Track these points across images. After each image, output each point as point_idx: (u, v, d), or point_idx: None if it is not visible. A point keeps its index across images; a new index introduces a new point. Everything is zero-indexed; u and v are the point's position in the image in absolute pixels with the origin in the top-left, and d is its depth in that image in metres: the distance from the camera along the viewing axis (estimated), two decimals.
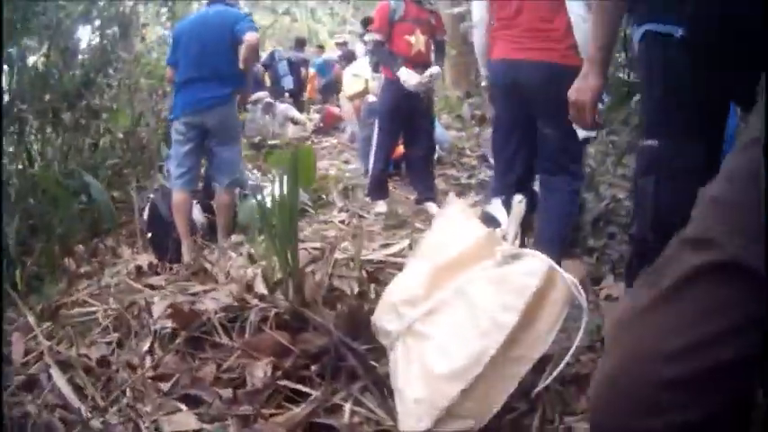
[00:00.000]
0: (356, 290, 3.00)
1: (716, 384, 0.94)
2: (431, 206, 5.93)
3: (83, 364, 2.73)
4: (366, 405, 2.36)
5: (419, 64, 5.82)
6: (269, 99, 10.55)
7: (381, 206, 5.91)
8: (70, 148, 6.49)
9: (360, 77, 7.88)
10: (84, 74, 6.82)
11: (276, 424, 2.27)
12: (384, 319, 2.41)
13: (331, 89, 12.95)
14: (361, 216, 5.51)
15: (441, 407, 2.04)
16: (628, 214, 4.24)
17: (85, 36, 7.41)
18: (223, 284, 3.24)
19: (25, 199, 5.10)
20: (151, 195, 5.56)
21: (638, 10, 2.48)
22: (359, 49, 10.04)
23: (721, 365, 0.92)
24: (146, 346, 2.81)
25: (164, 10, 9.78)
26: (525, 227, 2.83)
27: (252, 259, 3.57)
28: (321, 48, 15.32)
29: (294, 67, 12.75)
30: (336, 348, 2.50)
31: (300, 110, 11.91)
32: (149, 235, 5.15)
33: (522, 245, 2.57)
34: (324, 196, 6.43)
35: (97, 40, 7.46)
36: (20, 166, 5.76)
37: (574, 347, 2.12)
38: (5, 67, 5.79)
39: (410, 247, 3.63)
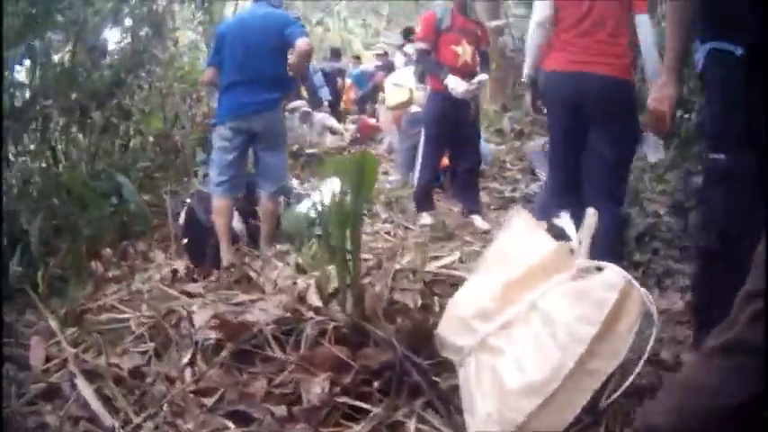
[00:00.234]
0: (419, 303, 2.82)
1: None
2: (477, 219, 5.86)
3: (113, 375, 2.58)
4: (430, 422, 2.27)
5: (466, 75, 5.69)
6: (306, 108, 10.40)
7: (426, 218, 5.80)
8: (98, 149, 6.28)
9: (403, 87, 7.64)
10: (114, 73, 6.60)
11: None
12: (454, 333, 2.36)
13: (368, 100, 12.81)
14: (407, 228, 5.25)
15: (515, 422, 2.02)
16: (669, 230, 4.47)
17: (114, 37, 7.21)
18: (271, 295, 3.07)
19: (49, 198, 4.88)
20: (188, 200, 5.32)
21: (702, 28, 2.56)
22: (398, 59, 9.84)
23: None
24: (186, 358, 2.63)
25: (198, 14, 9.55)
26: None
27: (300, 269, 3.41)
28: (358, 58, 15.05)
29: (329, 77, 12.52)
30: (401, 364, 2.39)
31: (338, 120, 11.72)
32: (185, 240, 4.90)
33: None
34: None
35: (128, 40, 7.23)
36: (43, 164, 5.58)
37: (644, 359, 2.11)
38: (28, 61, 5.58)
39: (461, 260, 3.57)
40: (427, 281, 3.10)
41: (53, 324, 3.05)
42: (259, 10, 4.97)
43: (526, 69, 4.13)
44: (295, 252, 3.78)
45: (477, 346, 2.22)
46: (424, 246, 3.73)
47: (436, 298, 2.90)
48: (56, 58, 6.10)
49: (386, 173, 8.37)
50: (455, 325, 2.36)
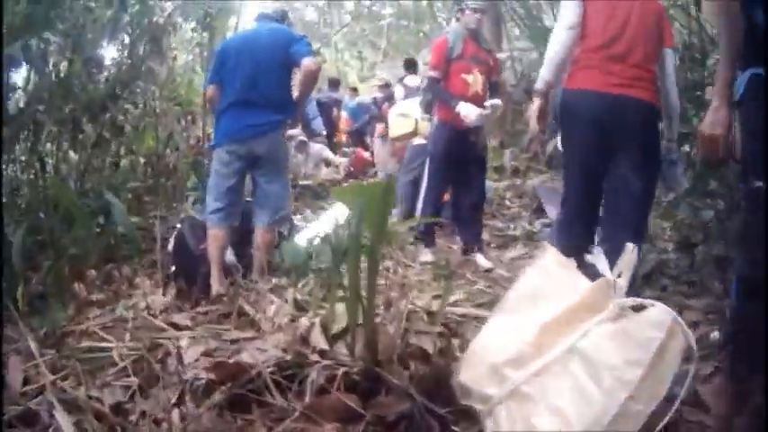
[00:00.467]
0: (438, 346, 2.61)
1: None
2: (479, 257, 5.71)
3: (93, 409, 2.37)
4: None
5: (476, 105, 5.48)
6: (302, 137, 10.26)
7: (427, 255, 5.67)
8: (89, 165, 6.11)
9: (409, 118, 7.42)
10: (109, 87, 6.46)
11: None
12: (480, 380, 2.22)
13: (363, 132, 12.74)
14: (407, 265, 5.01)
15: None
16: (677, 267, 4.54)
17: (111, 53, 7.05)
18: (269, 333, 2.86)
19: (35, 212, 4.75)
20: (177, 225, 5.08)
21: (744, 54, 2.53)
22: (398, 91, 9.68)
23: None
24: (174, 397, 2.40)
25: (195, 35, 9.35)
26: None
27: (298, 306, 3.16)
28: (355, 90, 14.93)
29: (325, 107, 12.37)
30: (420, 414, 2.20)
31: (332, 151, 11.68)
32: (173, 268, 4.63)
33: None
34: None
35: (125, 54, 7.06)
36: (31, 176, 5.45)
37: (681, 396, 2.03)
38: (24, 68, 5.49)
39: (468, 298, 3.52)
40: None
41: (32, 345, 2.88)
42: (263, 27, 4.74)
43: (546, 75, 3.90)
44: (292, 287, 3.54)
45: (508, 394, 2.10)
46: (449, 284, 3.55)
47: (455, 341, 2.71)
48: (52, 64, 5.93)
49: None
50: (482, 372, 2.21)
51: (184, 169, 6.88)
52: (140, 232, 5.49)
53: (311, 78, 4.51)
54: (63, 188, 5.03)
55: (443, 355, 2.59)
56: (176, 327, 3.20)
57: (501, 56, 9.95)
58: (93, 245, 4.66)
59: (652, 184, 3.79)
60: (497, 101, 5.70)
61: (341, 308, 2.61)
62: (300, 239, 4.56)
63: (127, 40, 6.92)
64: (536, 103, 3.94)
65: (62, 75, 5.92)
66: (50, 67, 5.82)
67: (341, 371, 2.31)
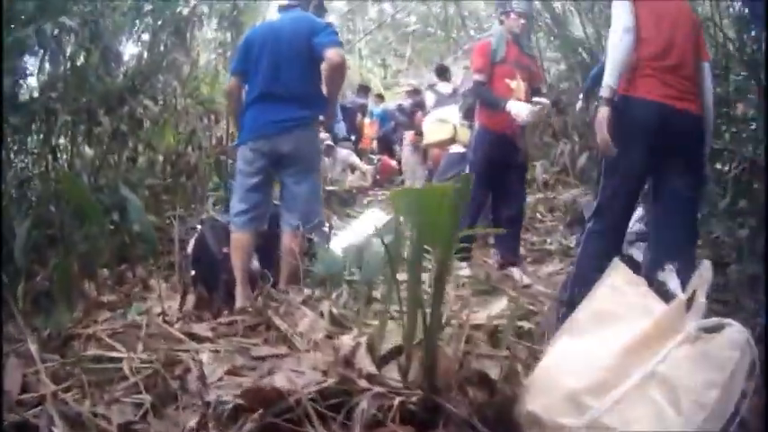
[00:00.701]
0: (503, 372, 2.28)
1: None
2: (516, 272, 5.47)
3: (99, 428, 2.10)
4: None
5: None
6: (329, 141, 10.14)
7: (464, 269, 5.21)
8: (104, 159, 5.87)
9: (447, 123, 7.25)
10: (128, 79, 6.31)
11: None
12: (554, 410, 2.03)
13: (391, 139, 12.66)
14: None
15: None
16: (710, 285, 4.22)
17: (131, 50, 6.92)
18: (303, 351, 2.59)
19: (45, 205, 4.54)
20: (198, 226, 4.80)
21: None
22: (429, 98, 9.48)
23: None
24: (193, 421, 2.08)
25: (218, 34, 9.13)
26: None
27: (334, 320, 2.89)
28: (380, 97, 14.84)
29: (349, 112, 12.26)
30: None
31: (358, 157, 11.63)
32: (193, 272, 4.32)
33: None
34: None
35: (146, 45, 6.95)
36: (43, 168, 5.28)
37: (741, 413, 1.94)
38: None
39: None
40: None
41: (33, 349, 2.58)
42: (287, 15, 4.41)
43: (611, 82, 3.62)
44: (326, 299, 3.23)
45: (587, 425, 1.96)
46: (518, 301, 3.24)
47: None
48: (68, 53, 5.73)
49: None
50: (557, 400, 2.04)
51: (206, 169, 6.67)
52: (157, 233, 5.18)
53: (337, 72, 4.19)
54: (75, 182, 4.72)
55: (507, 380, 2.27)
56: (195, 338, 2.90)
57: None
58: (106, 242, 4.39)
59: (700, 199, 3.84)
60: (544, 99, 5.55)
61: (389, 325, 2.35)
62: (335, 247, 4.20)
63: (148, 31, 6.70)
64: (604, 112, 3.64)
65: (78, 64, 5.73)
66: (66, 56, 5.64)
67: (397, 400, 1.98)
